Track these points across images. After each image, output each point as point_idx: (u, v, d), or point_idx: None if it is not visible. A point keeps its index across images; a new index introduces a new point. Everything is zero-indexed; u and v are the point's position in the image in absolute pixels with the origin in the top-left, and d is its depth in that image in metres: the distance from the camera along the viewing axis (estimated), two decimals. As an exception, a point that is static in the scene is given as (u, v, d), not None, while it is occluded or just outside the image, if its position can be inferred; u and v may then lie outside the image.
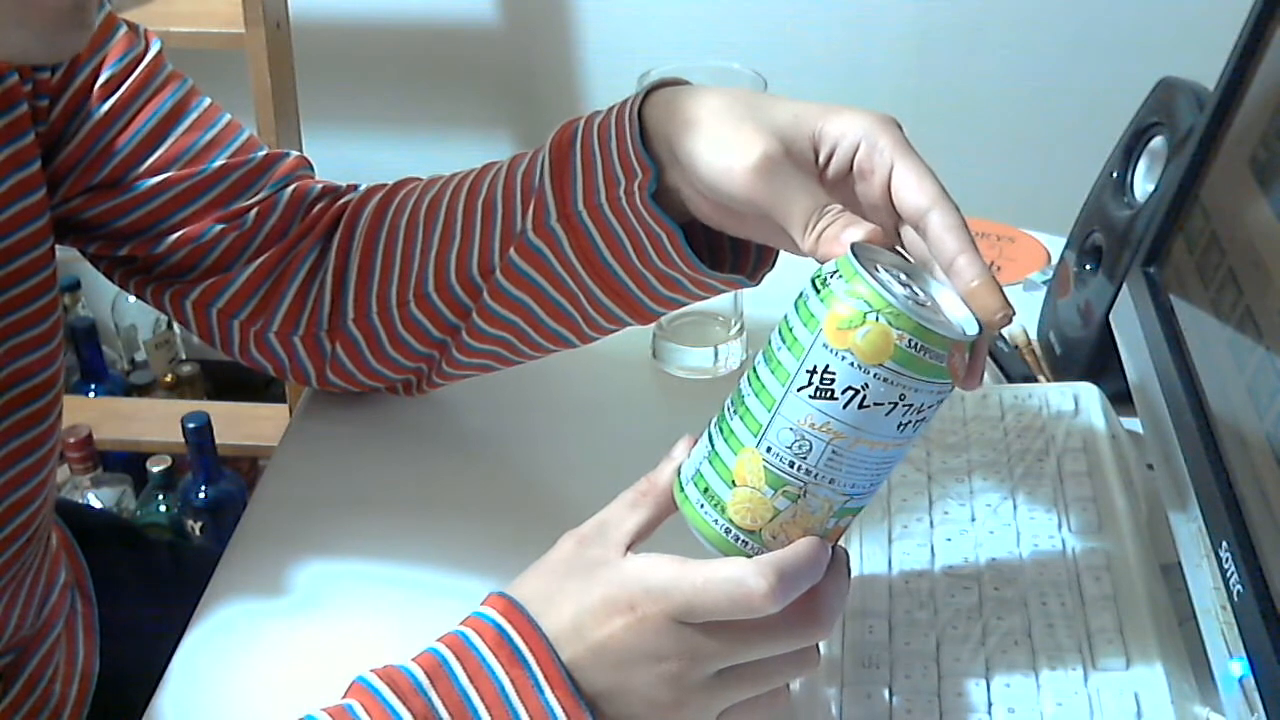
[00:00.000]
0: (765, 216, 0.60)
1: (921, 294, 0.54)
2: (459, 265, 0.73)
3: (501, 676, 0.53)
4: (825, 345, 0.51)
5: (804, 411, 0.52)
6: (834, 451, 0.52)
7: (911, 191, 0.58)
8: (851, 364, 0.51)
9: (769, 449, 0.53)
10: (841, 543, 0.69)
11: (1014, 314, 0.55)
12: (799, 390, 0.52)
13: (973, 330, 0.54)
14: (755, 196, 0.60)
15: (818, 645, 0.56)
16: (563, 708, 0.53)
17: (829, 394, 0.52)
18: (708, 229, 0.66)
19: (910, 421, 0.52)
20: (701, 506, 0.55)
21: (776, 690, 0.56)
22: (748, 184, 0.60)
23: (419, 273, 0.74)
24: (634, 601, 0.54)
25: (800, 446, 0.53)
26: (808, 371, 0.52)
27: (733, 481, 0.54)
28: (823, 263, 0.54)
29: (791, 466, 0.53)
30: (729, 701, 0.55)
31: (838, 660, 0.63)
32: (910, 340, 0.51)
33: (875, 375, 0.51)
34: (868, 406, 0.51)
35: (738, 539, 0.55)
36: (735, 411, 0.54)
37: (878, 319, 0.51)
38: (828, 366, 0.51)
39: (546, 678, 0.53)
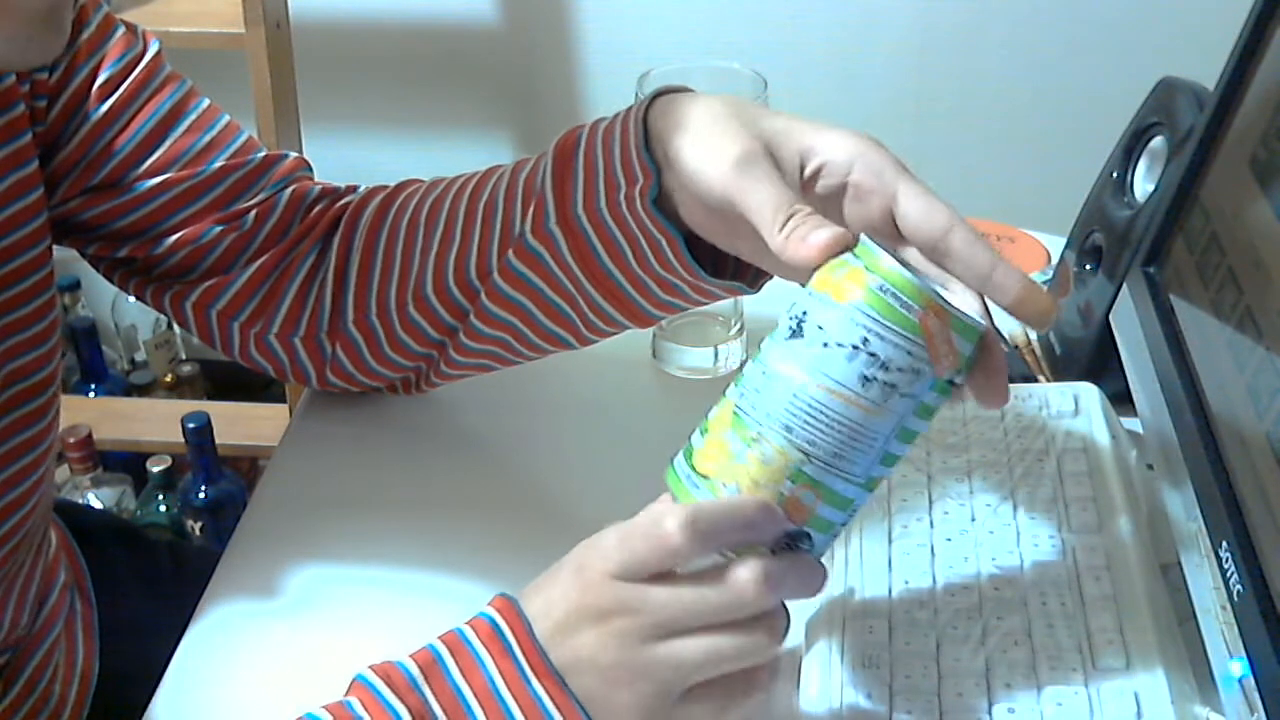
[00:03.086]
0: (742, 218, 0.60)
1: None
2: (457, 267, 0.73)
3: (491, 669, 0.54)
4: (810, 292, 0.54)
5: (776, 353, 0.54)
6: (794, 393, 0.53)
7: (925, 213, 0.58)
8: (824, 303, 0.53)
9: (741, 393, 0.55)
10: (840, 542, 0.69)
11: (1061, 310, 0.55)
12: (778, 337, 0.54)
13: (982, 322, 0.54)
14: (729, 190, 0.59)
15: (778, 631, 0.55)
16: (549, 694, 0.53)
17: (799, 333, 0.53)
18: None
19: (875, 379, 0.52)
20: (679, 466, 0.56)
21: (748, 679, 0.55)
22: (723, 177, 0.59)
23: (418, 274, 0.74)
24: (581, 562, 0.54)
25: (764, 387, 0.54)
26: (789, 317, 0.54)
27: (706, 430, 0.56)
28: (791, 264, 0.55)
29: (754, 407, 0.54)
30: (679, 670, 0.53)
31: (838, 660, 0.63)
32: (881, 285, 0.52)
33: (842, 313, 0.52)
34: (831, 347, 0.52)
35: (693, 483, 0.55)
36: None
37: (857, 262, 0.53)
38: (805, 310, 0.53)
39: (531, 666, 0.54)
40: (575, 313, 0.72)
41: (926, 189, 0.59)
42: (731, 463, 0.54)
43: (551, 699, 0.53)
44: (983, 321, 0.55)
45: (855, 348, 0.52)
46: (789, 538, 0.55)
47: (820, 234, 0.55)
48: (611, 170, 0.66)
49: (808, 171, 0.61)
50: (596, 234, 0.67)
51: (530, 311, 0.72)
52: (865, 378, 0.52)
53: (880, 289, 0.52)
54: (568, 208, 0.68)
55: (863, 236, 0.54)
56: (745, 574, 0.53)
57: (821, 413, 0.53)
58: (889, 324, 0.52)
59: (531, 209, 0.69)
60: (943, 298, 0.53)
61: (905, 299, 0.52)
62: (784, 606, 0.55)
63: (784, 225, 0.57)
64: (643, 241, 0.66)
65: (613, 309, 0.71)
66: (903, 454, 0.55)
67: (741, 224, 0.61)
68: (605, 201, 0.66)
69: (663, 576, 0.53)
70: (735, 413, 0.54)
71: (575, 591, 0.54)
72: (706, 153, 0.61)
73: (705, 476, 0.55)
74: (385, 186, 0.80)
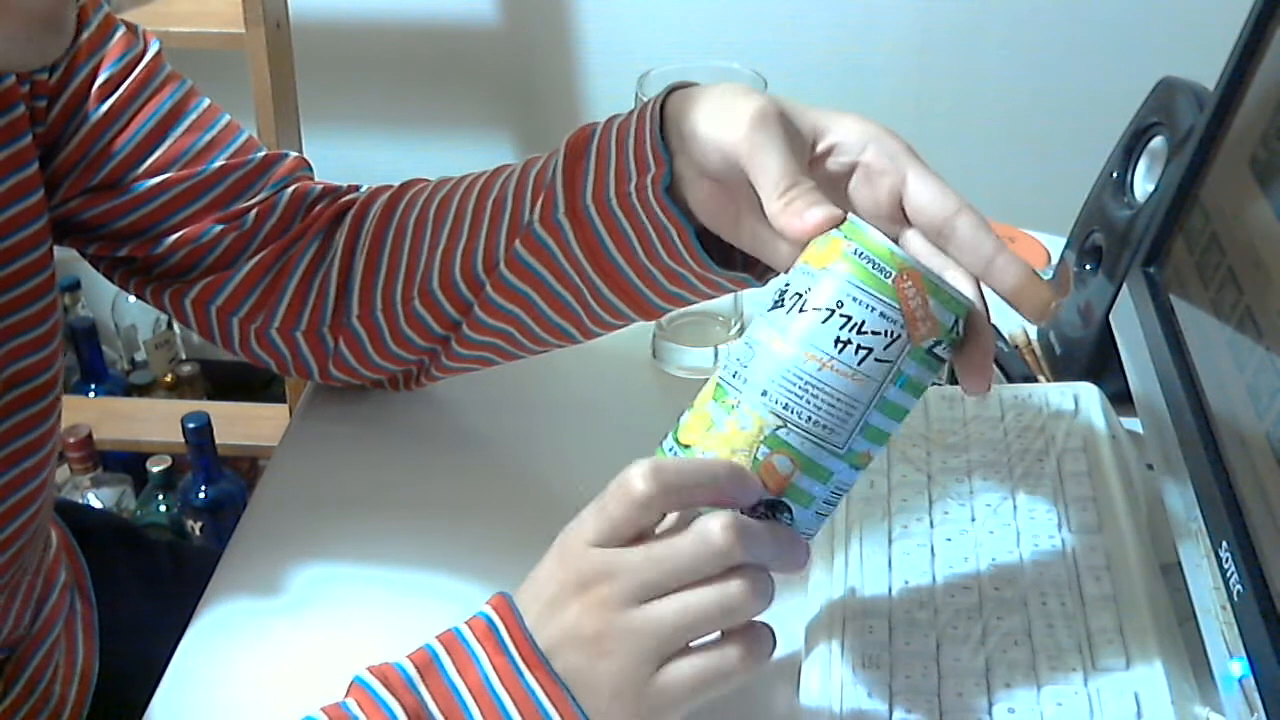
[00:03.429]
0: (748, 196, 0.60)
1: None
2: (464, 261, 0.73)
3: (486, 665, 0.54)
4: (795, 266, 0.55)
5: (759, 324, 0.55)
6: (770, 357, 0.54)
7: (934, 196, 0.58)
8: (804, 271, 0.54)
9: (725, 366, 0.56)
10: (840, 542, 0.69)
11: (1061, 304, 0.56)
12: (762, 310, 0.55)
13: (965, 296, 0.55)
14: (740, 149, 0.59)
15: (757, 588, 0.53)
16: (542, 687, 0.53)
17: (780, 303, 0.54)
18: None
19: (850, 342, 0.53)
20: (666, 443, 0.57)
21: (727, 650, 0.54)
22: (736, 137, 0.59)
23: (424, 269, 0.74)
24: (565, 538, 0.55)
25: (744, 355, 0.55)
26: (775, 291, 0.55)
27: (693, 405, 0.57)
28: (782, 233, 0.57)
29: (734, 376, 0.55)
30: (658, 633, 0.53)
31: (838, 660, 0.63)
32: (857, 249, 0.53)
33: (818, 278, 0.53)
34: (806, 310, 0.53)
35: (675, 455, 0.56)
36: None
37: (837, 234, 0.54)
38: (787, 281, 0.55)
39: (524, 660, 0.54)
40: (580, 305, 0.72)
41: (937, 175, 0.59)
42: (711, 431, 0.55)
43: (545, 691, 0.53)
44: (968, 297, 0.55)
45: (830, 311, 0.53)
46: (768, 507, 0.55)
47: (815, 211, 0.56)
48: (624, 162, 0.66)
49: (819, 148, 0.61)
50: (604, 225, 0.67)
51: (535, 304, 0.72)
52: (839, 340, 0.53)
53: (856, 253, 0.53)
54: (577, 199, 0.68)
55: (850, 215, 0.55)
56: (713, 522, 0.53)
57: (797, 377, 0.53)
58: (862, 286, 0.53)
59: (541, 201, 0.69)
60: (922, 265, 0.53)
61: (879, 261, 0.53)
62: (767, 573, 0.54)
63: (785, 193, 0.57)
64: (651, 233, 0.66)
65: (619, 301, 0.71)
66: (889, 430, 0.55)
67: (746, 206, 0.62)
68: (615, 193, 0.66)
69: (639, 540, 0.54)
70: (718, 384, 0.55)
71: (559, 568, 0.55)
72: (722, 117, 0.61)
73: (686, 446, 0.55)
74: (391, 185, 0.80)
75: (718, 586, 0.53)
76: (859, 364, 0.53)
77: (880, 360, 0.53)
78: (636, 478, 0.53)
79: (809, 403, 0.53)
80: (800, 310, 0.53)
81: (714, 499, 0.54)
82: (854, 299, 0.52)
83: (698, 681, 0.54)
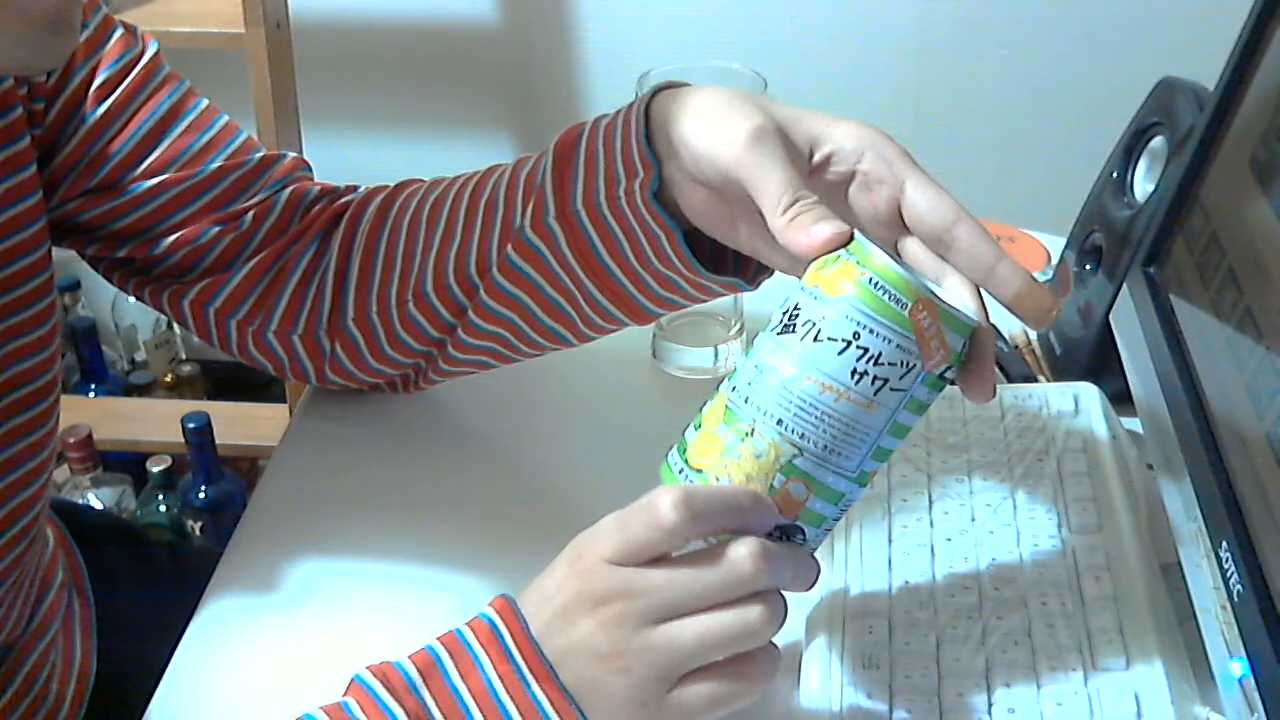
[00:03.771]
0: (743, 204, 0.60)
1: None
2: (458, 264, 0.73)
3: (490, 671, 0.54)
4: (802, 287, 0.54)
5: (768, 348, 0.54)
6: (785, 386, 0.53)
7: (933, 205, 0.58)
8: (815, 297, 0.53)
9: (734, 388, 0.55)
10: (840, 541, 0.69)
11: (1062, 309, 0.56)
12: (771, 331, 0.54)
13: (975, 317, 0.54)
14: (739, 165, 0.59)
15: (775, 613, 0.54)
16: (549, 699, 0.53)
17: (791, 328, 0.53)
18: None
19: (866, 373, 0.52)
20: (673, 460, 0.56)
21: (743, 668, 0.54)
22: (734, 153, 0.59)
23: (419, 272, 0.74)
24: (578, 550, 0.55)
25: (756, 380, 0.54)
26: (782, 312, 0.54)
27: (700, 425, 0.56)
28: (788, 248, 0.56)
29: (746, 401, 0.54)
30: (676, 653, 0.53)
31: (838, 660, 0.63)
32: (871, 278, 0.52)
33: (833, 307, 0.52)
34: (821, 341, 0.52)
35: (686, 478, 0.55)
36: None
37: (849, 257, 0.53)
38: (797, 304, 0.54)
39: (531, 670, 0.53)
40: (574, 309, 0.72)
41: (935, 182, 0.59)
42: (724, 456, 0.54)
43: (551, 702, 0.53)
44: (975, 317, 0.55)
45: (846, 342, 0.52)
46: (782, 531, 0.55)
47: (822, 227, 0.55)
48: (612, 165, 0.66)
49: (816, 158, 0.61)
50: (595, 229, 0.67)
51: (529, 308, 0.72)
52: (856, 372, 0.52)
53: (871, 283, 0.52)
54: (567, 203, 0.68)
55: (857, 234, 0.54)
56: (742, 549, 0.53)
57: (813, 407, 0.53)
58: (879, 318, 0.52)
59: (531, 204, 0.69)
60: (934, 293, 0.53)
61: (896, 293, 0.52)
62: (781, 596, 0.55)
63: (788, 208, 0.57)
64: (641, 237, 0.66)
65: (611, 305, 0.71)
66: (895, 448, 0.55)
67: (742, 210, 0.61)
68: (605, 197, 0.66)
69: (658, 561, 0.53)
70: (728, 407, 0.55)
71: (573, 579, 0.54)
72: (717, 132, 0.60)
73: (699, 470, 0.55)
74: (386, 186, 0.80)
75: (739, 611, 0.53)
76: (875, 394, 0.53)
77: (895, 389, 0.53)
78: (666, 505, 0.52)
79: (825, 432, 0.53)
80: (815, 339, 0.53)
81: (737, 527, 0.54)
82: (870, 330, 0.52)
83: (713, 702, 0.54)
